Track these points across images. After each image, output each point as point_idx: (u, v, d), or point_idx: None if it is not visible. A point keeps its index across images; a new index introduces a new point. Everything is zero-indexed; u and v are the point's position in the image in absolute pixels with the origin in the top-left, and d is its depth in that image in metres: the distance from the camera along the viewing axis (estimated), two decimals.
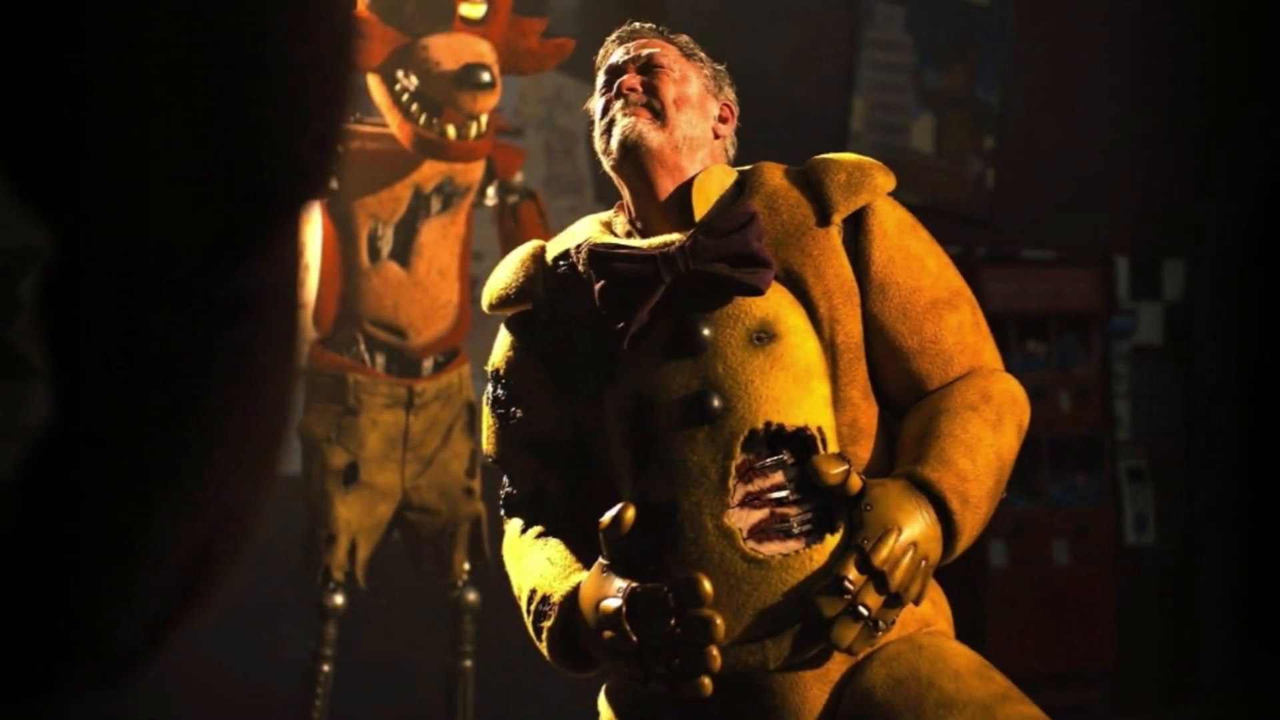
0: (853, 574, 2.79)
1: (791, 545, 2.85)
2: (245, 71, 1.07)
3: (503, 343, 3.16)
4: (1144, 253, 8.31)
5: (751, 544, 2.85)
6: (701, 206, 3.02)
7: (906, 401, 3.05)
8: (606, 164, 3.10)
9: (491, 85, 5.46)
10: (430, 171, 5.60)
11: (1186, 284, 8.34)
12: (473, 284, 5.52)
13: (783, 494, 2.87)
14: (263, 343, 1.14)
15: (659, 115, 3.06)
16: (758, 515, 2.87)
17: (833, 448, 2.91)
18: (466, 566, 5.78)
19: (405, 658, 6.75)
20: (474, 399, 5.72)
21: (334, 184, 5.31)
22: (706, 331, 2.92)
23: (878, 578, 2.80)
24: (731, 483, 2.86)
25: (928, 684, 2.90)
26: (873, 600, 2.79)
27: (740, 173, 3.10)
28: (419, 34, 5.54)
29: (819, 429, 2.90)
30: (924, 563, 2.85)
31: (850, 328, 2.97)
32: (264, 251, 1.11)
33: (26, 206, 1.08)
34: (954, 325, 3.05)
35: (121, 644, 1.14)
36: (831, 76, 7.98)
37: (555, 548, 3.07)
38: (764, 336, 2.92)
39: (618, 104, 3.08)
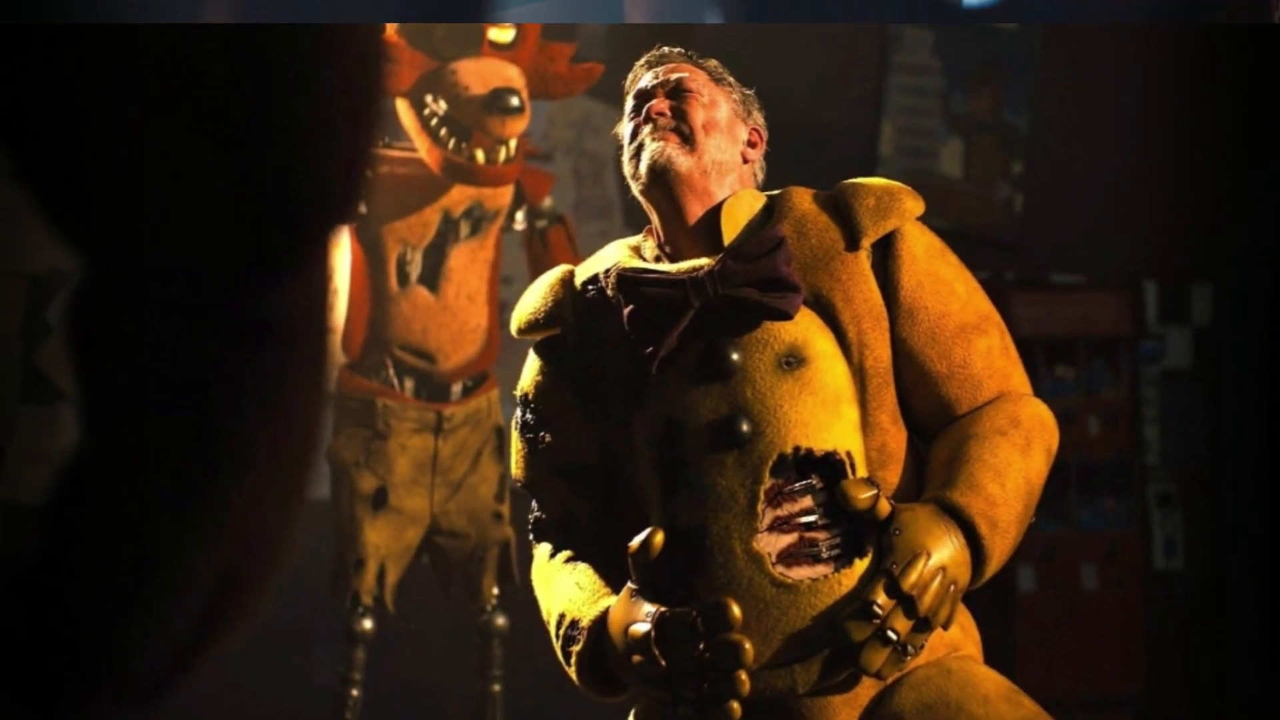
0: (881, 598, 2.78)
1: (820, 570, 2.85)
2: (274, 96, 1.07)
3: (531, 367, 3.16)
4: (1172, 277, 8.30)
5: (780, 568, 2.84)
6: (730, 231, 3.02)
7: (935, 426, 3.04)
8: (635, 189, 3.10)
9: (520, 110, 5.46)
10: (459, 196, 5.61)
11: (1215, 308, 8.32)
12: (501, 308, 5.54)
13: (811, 518, 2.87)
14: (291, 367, 1.14)
15: (688, 140, 3.06)
16: (786, 540, 2.86)
17: (861, 472, 2.91)
18: (495, 591, 5.79)
19: (434, 682, 6.75)
20: (503, 423, 5.72)
21: (363, 209, 5.33)
22: (735, 356, 2.92)
23: (906, 602, 2.79)
24: (760, 507, 2.85)
25: (956, 709, 2.89)
26: (901, 625, 2.78)
27: (769, 197, 3.10)
28: (448, 58, 5.56)
29: (848, 453, 2.90)
30: (953, 587, 2.84)
31: (879, 352, 2.97)
32: (293, 276, 1.11)
33: (55, 231, 1.08)
34: (983, 350, 3.04)
35: (150, 667, 1.14)
36: (860, 101, 7.98)
37: (584, 572, 3.06)
38: (793, 361, 2.91)
39: (646, 128, 3.08)
